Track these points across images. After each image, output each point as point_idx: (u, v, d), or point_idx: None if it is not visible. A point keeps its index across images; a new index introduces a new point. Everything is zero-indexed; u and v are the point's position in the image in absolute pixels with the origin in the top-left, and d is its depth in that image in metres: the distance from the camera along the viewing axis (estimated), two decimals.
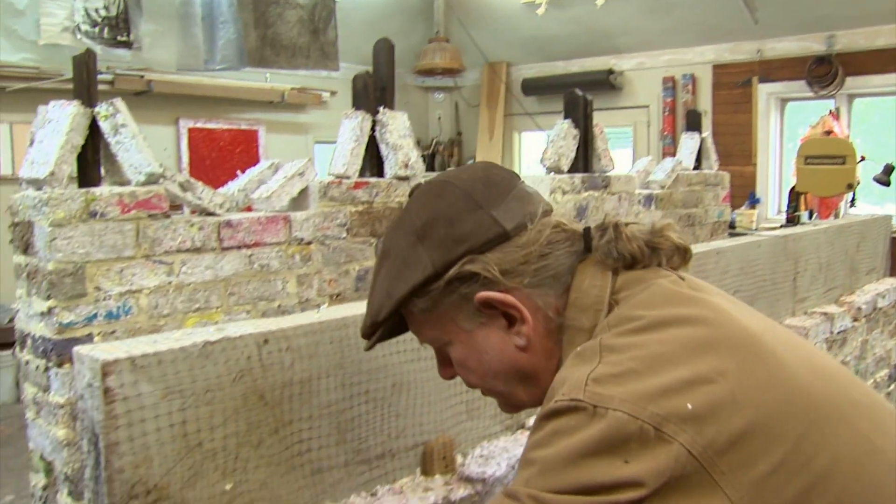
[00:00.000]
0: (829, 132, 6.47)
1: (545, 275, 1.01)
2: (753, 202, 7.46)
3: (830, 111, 6.79)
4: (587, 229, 1.05)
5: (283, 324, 1.37)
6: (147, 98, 6.75)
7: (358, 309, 1.49)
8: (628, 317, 0.95)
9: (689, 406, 0.82)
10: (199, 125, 7.47)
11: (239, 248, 2.48)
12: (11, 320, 5.57)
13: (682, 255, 1.05)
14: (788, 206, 6.58)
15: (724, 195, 5.12)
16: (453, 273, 1.01)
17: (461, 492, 1.51)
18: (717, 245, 2.67)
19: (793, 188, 6.49)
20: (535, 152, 8.94)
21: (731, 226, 6.61)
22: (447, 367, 1.13)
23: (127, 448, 1.20)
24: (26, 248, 2.37)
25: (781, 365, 0.89)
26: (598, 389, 0.85)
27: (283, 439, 1.37)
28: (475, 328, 1.04)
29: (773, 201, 7.68)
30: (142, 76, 6.72)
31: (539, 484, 0.83)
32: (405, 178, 2.91)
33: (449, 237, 1.01)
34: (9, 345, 5.61)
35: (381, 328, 1.11)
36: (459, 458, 1.64)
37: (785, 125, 7.71)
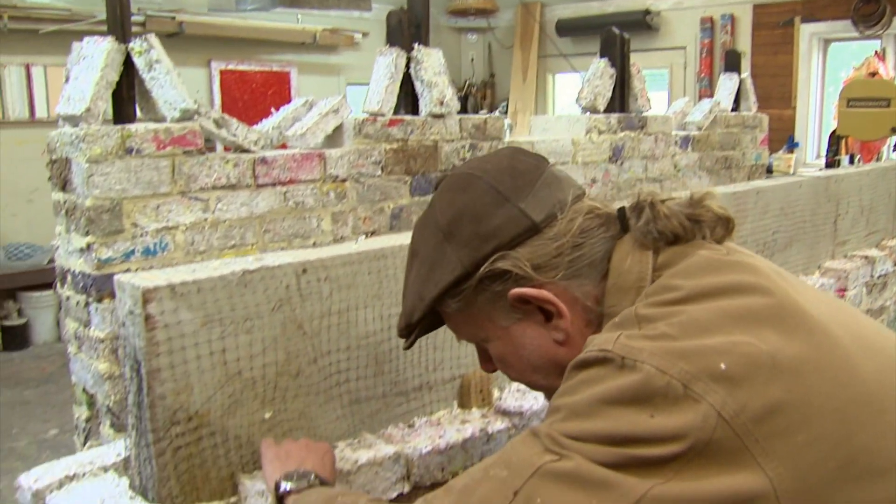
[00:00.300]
0: (873, 74, 6.29)
1: (580, 265, 0.96)
2: (792, 146, 7.32)
3: (876, 52, 6.60)
4: (621, 210, 1.00)
5: (322, 254, 1.37)
6: (179, 40, 6.72)
7: (397, 240, 1.48)
8: (666, 286, 0.90)
9: (723, 366, 0.78)
10: (230, 67, 7.44)
11: (274, 185, 2.48)
12: (50, 261, 5.67)
13: (725, 226, 0.98)
14: (828, 151, 6.44)
15: (762, 138, 5.02)
16: (483, 272, 0.97)
17: (498, 424, 1.52)
18: (757, 185, 2.62)
19: (833, 132, 6.34)
20: (569, 94, 8.82)
21: (769, 170, 6.50)
22: (488, 362, 1.10)
23: (168, 375, 1.21)
24: (64, 185, 2.39)
25: (828, 337, 0.84)
26: (628, 342, 0.82)
27: (321, 369, 1.38)
28: (512, 324, 1.00)
29: (812, 146, 7.53)
30: (173, 17, 6.70)
31: (561, 428, 0.81)
32: (440, 116, 2.87)
33: (476, 235, 0.97)
34: (48, 285, 5.72)
35: (416, 328, 1.08)
36: (496, 392, 1.64)
37: (827, 67, 7.52)
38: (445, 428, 1.48)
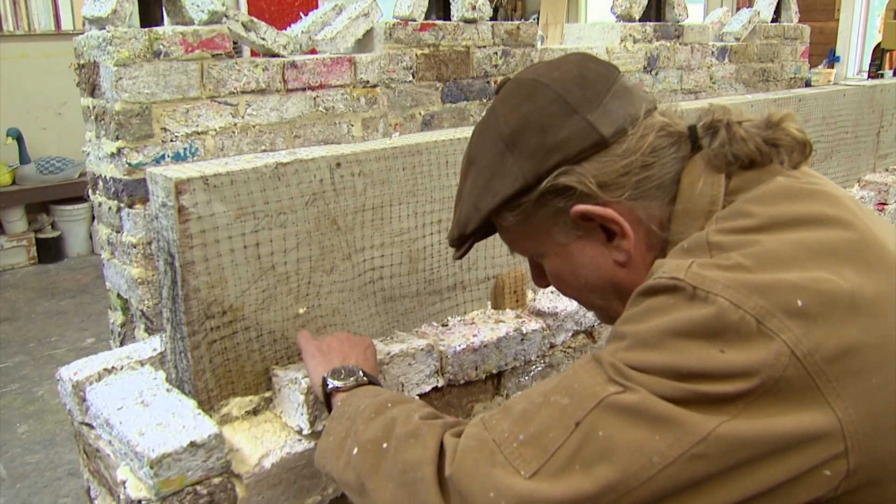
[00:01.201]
0: None
1: (648, 185, 0.91)
2: (832, 60, 7.10)
3: None
4: (693, 128, 0.94)
5: (356, 148, 1.34)
6: None
7: (432, 136, 1.45)
8: (740, 211, 0.86)
9: (800, 303, 0.74)
10: None
11: (304, 89, 2.43)
12: (81, 174, 5.70)
13: (802, 151, 0.93)
14: (871, 65, 6.24)
15: (802, 50, 4.85)
16: (546, 186, 0.92)
17: (532, 325, 1.51)
18: (800, 92, 2.54)
19: (878, 45, 6.13)
20: (602, 4, 8.59)
21: (807, 84, 6.31)
22: (542, 277, 1.06)
23: (202, 268, 1.21)
24: (93, 91, 2.36)
25: None
26: (700, 271, 0.78)
27: (355, 266, 1.37)
28: (571, 241, 0.96)
29: (853, 60, 7.30)
30: None
31: (626, 358, 0.78)
32: (472, 21, 2.79)
33: (541, 146, 0.92)
34: (80, 199, 5.76)
35: (470, 239, 1.04)
36: (530, 294, 1.63)
37: None
38: (479, 327, 1.48)
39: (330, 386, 1.10)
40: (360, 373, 1.12)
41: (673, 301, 0.78)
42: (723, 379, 0.73)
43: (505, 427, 0.81)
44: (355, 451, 0.94)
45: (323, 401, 1.12)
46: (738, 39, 4.26)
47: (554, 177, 0.91)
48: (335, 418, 1.03)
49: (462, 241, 1.05)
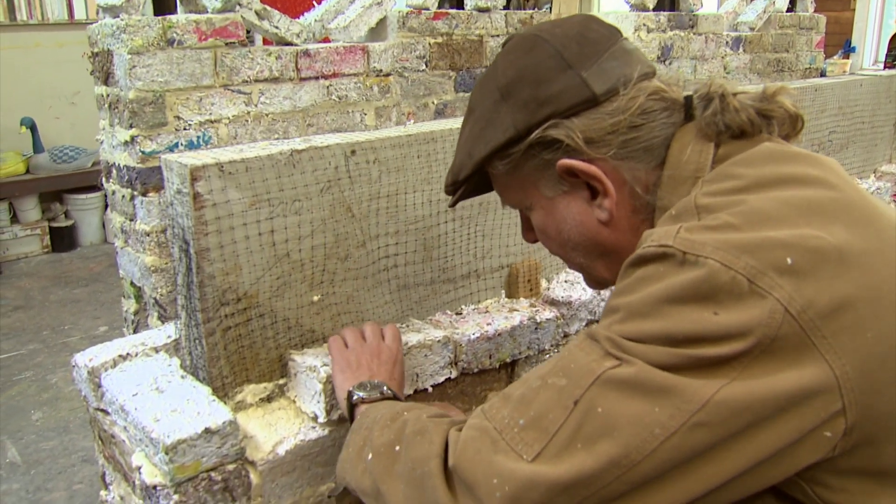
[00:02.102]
0: None
1: (635, 147, 0.92)
2: (848, 51, 7.04)
3: None
4: (688, 98, 0.94)
5: (371, 136, 1.34)
6: None
7: (447, 124, 1.45)
8: (726, 174, 0.86)
9: (790, 260, 0.74)
10: None
11: (317, 78, 2.43)
12: (95, 164, 5.71)
13: (793, 124, 0.93)
14: (887, 56, 6.19)
15: (818, 41, 4.82)
16: (535, 137, 0.93)
17: (546, 314, 1.50)
18: (816, 82, 2.52)
19: (894, 35, 6.08)
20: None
21: (822, 75, 6.27)
22: (529, 231, 1.07)
23: (217, 255, 1.21)
24: (107, 79, 2.37)
25: None
26: (689, 236, 0.78)
27: (369, 253, 1.37)
28: (557, 195, 0.97)
29: (869, 51, 7.23)
30: None
31: (621, 330, 0.78)
32: (486, 10, 2.79)
33: (533, 98, 0.93)
34: (93, 188, 5.78)
35: (462, 187, 1.06)
36: (544, 283, 1.62)
37: None
38: (493, 316, 1.47)
39: (355, 397, 1.12)
40: (386, 387, 1.14)
41: (663, 268, 0.78)
42: (718, 341, 0.73)
43: (505, 414, 0.82)
44: (370, 456, 0.95)
45: (347, 414, 1.14)
46: (752, 29, 4.23)
47: (543, 129, 0.93)
48: (354, 430, 1.05)
49: (455, 188, 1.07)
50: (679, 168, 0.90)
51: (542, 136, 0.93)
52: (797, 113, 0.93)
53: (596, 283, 1.08)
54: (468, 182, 1.05)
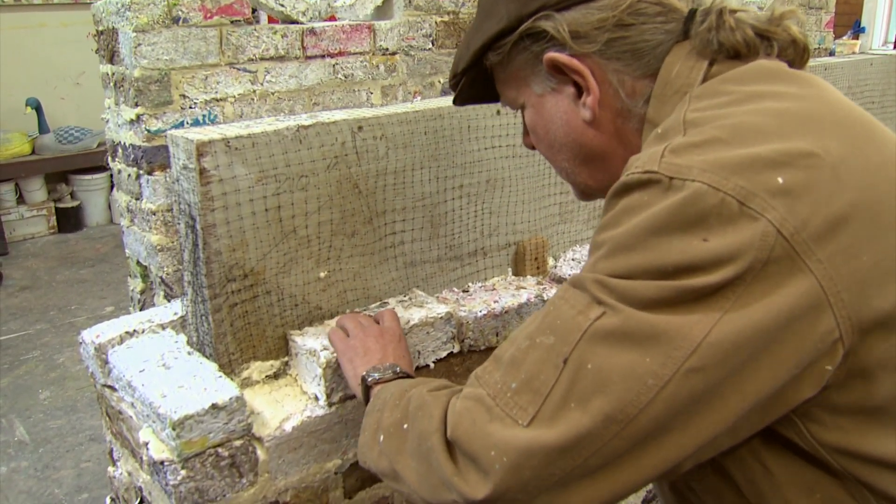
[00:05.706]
0: None
1: (621, 47, 0.89)
2: (857, 31, 6.98)
3: None
4: (693, 11, 0.90)
5: (378, 112, 1.33)
6: None
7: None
8: (716, 90, 0.83)
9: (781, 180, 0.70)
10: None
11: (323, 56, 2.41)
12: (100, 144, 5.71)
13: (797, 52, 0.88)
14: None
15: (827, 20, 4.77)
16: (524, 28, 0.92)
17: (553, 291, 1.49)
18: (825, 61, 2.51)
19: None
20: None
21: (832, 55, 6.22)
22: (527, 134, 1.06)
23: (223, 231, 1.20)
24: (112, 57, 2.36)
25: None
26: (675, 160, 0.74)
27: (376, 230, 1.36)
28: (546, 93, 0.96)
29: (879, 32, 7.17)
30: None
31: (606, 268, 0.75)
32: None
33: None
34: (99, 168, 5.78)
35: (462, 79, 1.05)
36: (551, 261, 1.62)
37: None
38: (500, 293, 1.47)
39: (370, 379, 1.12)
40: (399, 368, 1.14)
41: (647, 197, 0.75)
42: (709, 269, 0.69)
43: (497, 378, 0.80)
44: (381, 438, 0.95)
45: (363, 399, 1.13)
46: (761, 9, 4.20)
47: (533, 20, 0.92)
48: (368, 413, 1.04)
49: (457, 81, 1.07)
50: (668, 83, 0.87)
51: (531, 26, 0.92)
52: (804, 43, 0.89)
53: (581, 192, 1.05)
54: (467, 74, 1.04)
